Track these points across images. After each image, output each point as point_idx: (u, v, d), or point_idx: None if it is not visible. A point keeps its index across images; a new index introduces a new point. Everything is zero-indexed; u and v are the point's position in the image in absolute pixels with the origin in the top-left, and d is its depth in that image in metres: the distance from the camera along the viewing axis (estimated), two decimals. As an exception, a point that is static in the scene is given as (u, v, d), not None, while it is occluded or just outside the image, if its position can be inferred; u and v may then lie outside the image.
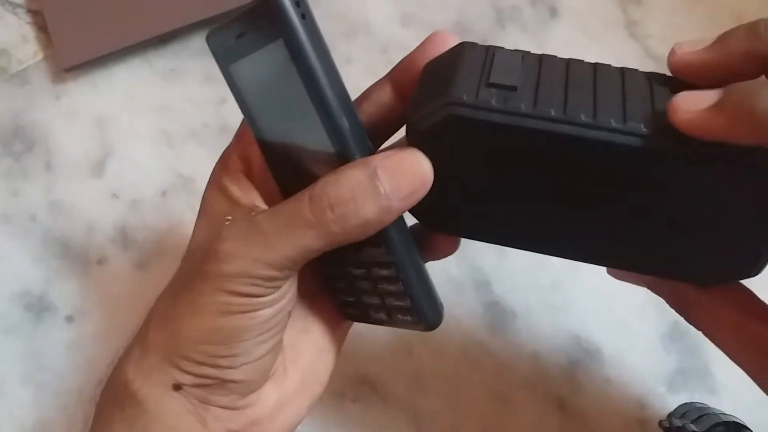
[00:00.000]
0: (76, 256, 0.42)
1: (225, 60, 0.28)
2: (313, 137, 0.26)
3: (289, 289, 0.27)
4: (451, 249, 0.30)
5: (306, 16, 0.25)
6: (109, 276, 0.41)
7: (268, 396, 0.28)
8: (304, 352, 0.30)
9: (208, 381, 0.27)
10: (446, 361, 0.40)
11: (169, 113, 0.44)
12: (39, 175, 0.43)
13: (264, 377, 0.28)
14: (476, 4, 0.44)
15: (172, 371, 0.27)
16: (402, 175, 0.25)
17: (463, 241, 0.42)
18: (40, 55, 0.45)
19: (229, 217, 0.27)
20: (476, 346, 0.40)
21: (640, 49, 0.44)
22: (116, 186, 0.43)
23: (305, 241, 0.25)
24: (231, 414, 0.28)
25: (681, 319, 0.40)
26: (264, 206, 0.28)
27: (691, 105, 0.23)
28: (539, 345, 0.40)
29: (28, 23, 0.45)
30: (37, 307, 0.41)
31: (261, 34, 0.26)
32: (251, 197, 0.28)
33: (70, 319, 0.41)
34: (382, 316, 0.29)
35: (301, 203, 0.25)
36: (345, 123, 0.26)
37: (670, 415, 0.37)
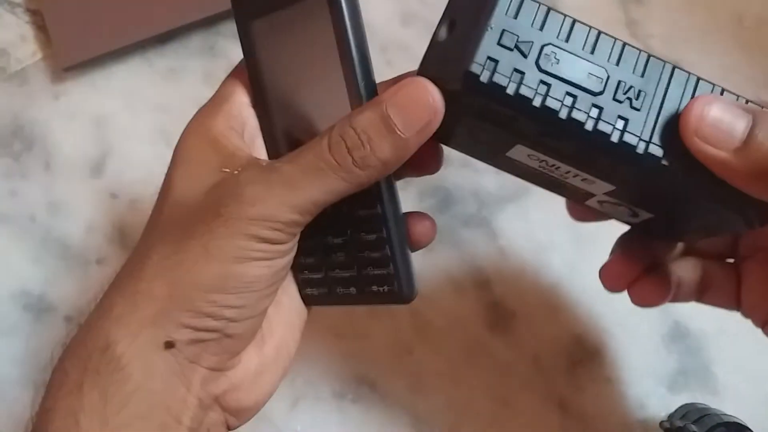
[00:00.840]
0: (75, 256, 0.42)
1: (249, 15, 0.28)
2: (330, 97, 0.27)
3: (296, 244, 0.27)
4: (430, 236, 0.30)
5: None
6: (108, 276, 0.41)
7: (250, 359, 0.28)
8: (277, 324, 0.30)
9: (207, 336, 0.26)
10: (446, 362, 0.40)
11: (168, 113, 0.44)
12: (38, 174, 0.43)
13: (253, 336, 0.28)
14: (476, 3, 0.44)
15: (168, 326, 0.25)
16: (412, 109, 0.25)
17: (464, 241, 0.42)
18: (39, 55, 0.45)
19: (227, 169, 0.27)
20: (476, 346, 0.40)
21: (641, 48, 0.44)
22: (115, 186, 0.43)
23: (332, 183, 0.26)
24: (215, 376, 0.27)
25: (682, 320, 0.40)
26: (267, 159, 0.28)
27: (715, 140, 0.23)
28: (539, 345, 0.40)
29: (27, 22, 0.45)
30: (36, 308, 0.41)
31: None
32: (250, 150, 0.28)
33: (69, 319, 0.41)
34: (351, 290, 0.29)
35: (321, 148, 0.26)
36: (370, 81, 0.27)
37: (671, 416, 0.37)
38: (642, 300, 0.32)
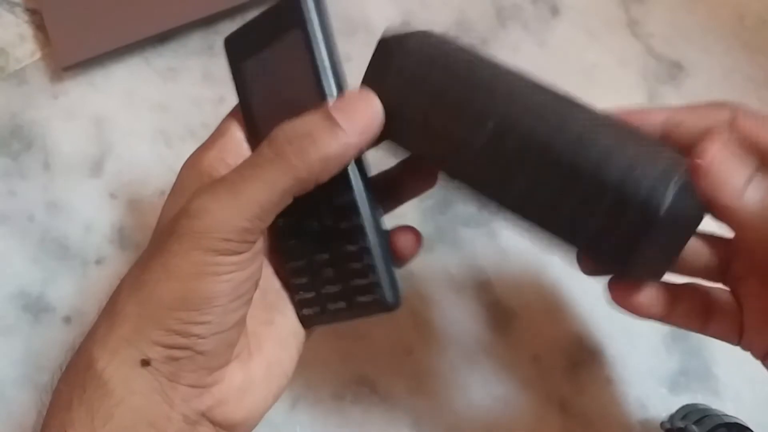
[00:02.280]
0: (74, 257, 0.42)
1: (239, 58, 0.31)
2: None
3: (256, 256, 0.28)
4: (413, 250, 0.31)
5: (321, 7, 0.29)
6: (107, 276, 0.41)
7: (234, 375, 0.28)
8: (268, 342, 0.30)
9: (178, 353, 0.26)
10: (446, 362, 0.40)
11: (167, 112, 0.44)
12: (37, 174, 0.43)
13: (229, 352, 0.28)
14: (477, 2, 0.44)
15: (142, 344, 0.26)
16: (355, 110, 0.27)
17: (464, 241, 0.42)
18: (38, 54, 0.44)
19: None
20: (476, 346, 0.40)
21: (641, 48, 0.44)
22: (114, 186, 0.43)
23: (270, 178, 0.26)
24: (198, 393, 0.27)
25: (683, 320, 0.40)
26: None
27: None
28: (540, 345, 0.40)
29: (26, 22, 0.45)
30: (35, 308, 0.41)
31: (277, 25, 0.29)
32: None
33: (67, 319, 0.41)
34: (341, 304, 0.30)
35: (261, 146, 0.27)
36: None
37: (672, 417, 0.37)
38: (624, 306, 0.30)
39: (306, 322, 0.31)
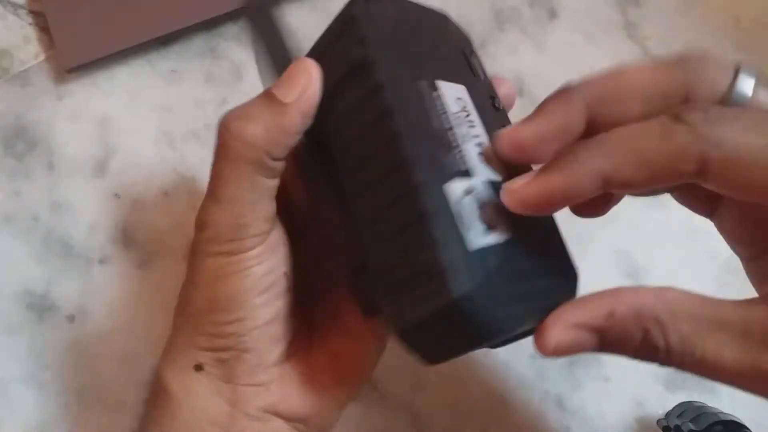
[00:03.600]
0: (78, 256, 0.42)
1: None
2: None
3: (275, 248, 0.28)
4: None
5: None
6: (110, 276, 0.42)
7: (292, 370, 0.29)
8: (333, 337, 0.30)
9: (224, 355, 0.28)
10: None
11: (170, 114, 0.44)
12: (41, 175, 0.43)
13: (278, 347, 0.29)
14: (475, 5, 0.45)
15: (191, 351, 0.28)
16: (291, 79, 0.27)
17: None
18: (42, 56, 0.45)
19: None
20: (476, 345, 0.40)
21: (638, 51, 0.44)
22: (118, 186, 0.43)
23: (226, 171, 0.27)
24: (257, 390, 0.28)
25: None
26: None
27: (519, 181, 0.24)
28: (538, 344, 0.40)
29: (30, 24, 0.45)
30: (39, 307, 0.41)
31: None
32: None
33: (71, 318, 0.41)
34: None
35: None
36: None
37: (668, 414, 0.37)
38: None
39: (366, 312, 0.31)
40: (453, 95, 0.27)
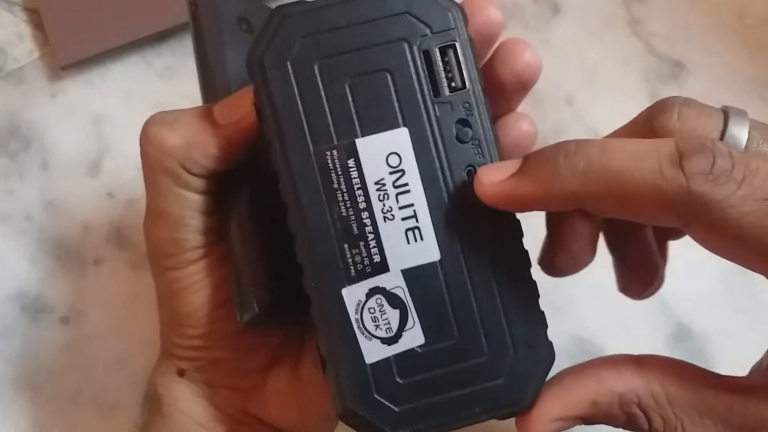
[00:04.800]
0: (72, 257, 0.41)
1: None
2: None
3: (222, 263, 0.28)
4: None
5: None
6: (105, 276, 0.41)
7: (278, 377, 0.29)
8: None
9: (200, 363, 0.28)
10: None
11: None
12: (35, 174, 0.43)
13: (257, 354, 0.29)
14: (477, 1, 0.44)
15: (172, 358, 0.28)
16: (229, 103, 0.26)
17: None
18: (36, 54, 0.44)
19: None
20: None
21: (642, 47, 0.43)
22: (112, 185, 0.42)
23: (150, 181, 0.27)
24: (240, 395, 0.28)
25: (685, 320, 0.40)
26: None
27: (495, 176, 0.22)
28: (541, 346, 0.39)
29: (24, 21, 0.45)
30: (33, 308, 0.41)
31: None
32: None
33: (65, 320, 0.41)
34: None
35: None
36: None
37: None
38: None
39: None
40: (380, 153, 0.23)
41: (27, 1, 0.45)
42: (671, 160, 0.20)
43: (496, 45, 0.26)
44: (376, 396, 0.22)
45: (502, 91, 0.26)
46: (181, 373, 0.28)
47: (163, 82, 0.44)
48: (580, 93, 0.43)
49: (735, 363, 0.39)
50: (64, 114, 0.43)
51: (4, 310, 0.41)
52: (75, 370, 0.40)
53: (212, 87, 0.29)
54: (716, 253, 0.22)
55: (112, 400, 0.39)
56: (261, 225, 0.26)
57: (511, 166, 0.22)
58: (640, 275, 0.29)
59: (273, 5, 0.33)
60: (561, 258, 0.26)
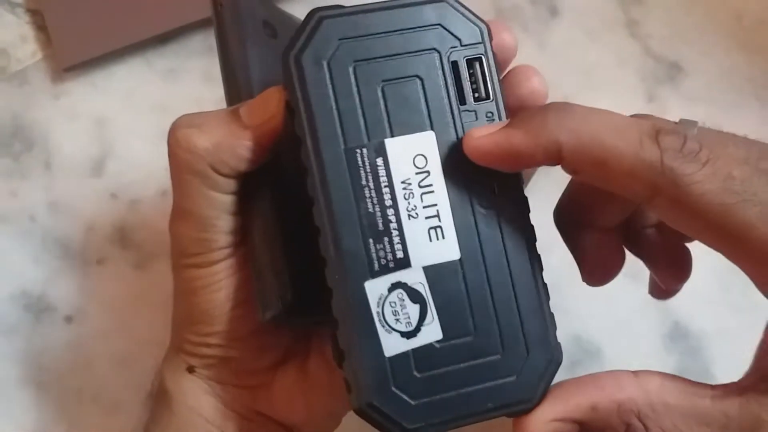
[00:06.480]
0: (76, 256, 0.42)
1: None
2: None
3: (232, 265, 0.28)
4: None
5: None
6: (108, 276, 0.41)
7: (286, 376, 0.29)
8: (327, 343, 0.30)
9: (210, 360, 0.28)
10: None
11: (168, 113, 0.43)
12: (38, 175, 0.43)
13: (267, 355, 0.29)
14: (477, 3, 0.44)
15: (182, 354, 0.28)
16: (258, 103, 0.26)
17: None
18: (39, 55, 0.45)
19: None
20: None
21: (640, 49, 0.44)
22: (115, 186, 0.43)
23: (178, 182, 0.27)
24: (248, 392, 0.29)
25: (682, 320, 0.40)
26: None
27: (484, 130, 0.24)
28: (539, 345, 0.40)
29: (27, 23, 0.45)
30: (36, 308, 0.41)
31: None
32: None
33: (69, 319, 0.41)
34: None
35: None
36: None
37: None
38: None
39: None
40: (408, 154, 0.24)
41: (30, 2, 0.45)
42: (649, 134, 0.22)
43: (508, 68, 0.28)
44: (393, 389, 0.23)
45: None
46: (190, 369, 0.28)
47: (166, 84, 0.44)
48: (578, 94, 0.43)
49: (731, 362, 0.39)
50: (67, 115, 0.44)
51: (8, 310, 0.41)
52: (78, 369, 0.40)
53: (236, 86, 0.29)
54: (675, 226, 0.24)
55: (115, 398, 0.40)
56: (283, 224, 0.27)
57: (500, 123, 0.24)
58: (670, 272, 0.31)
59: (290, 10, 0.33)
60: (588, 269, 0.29)
